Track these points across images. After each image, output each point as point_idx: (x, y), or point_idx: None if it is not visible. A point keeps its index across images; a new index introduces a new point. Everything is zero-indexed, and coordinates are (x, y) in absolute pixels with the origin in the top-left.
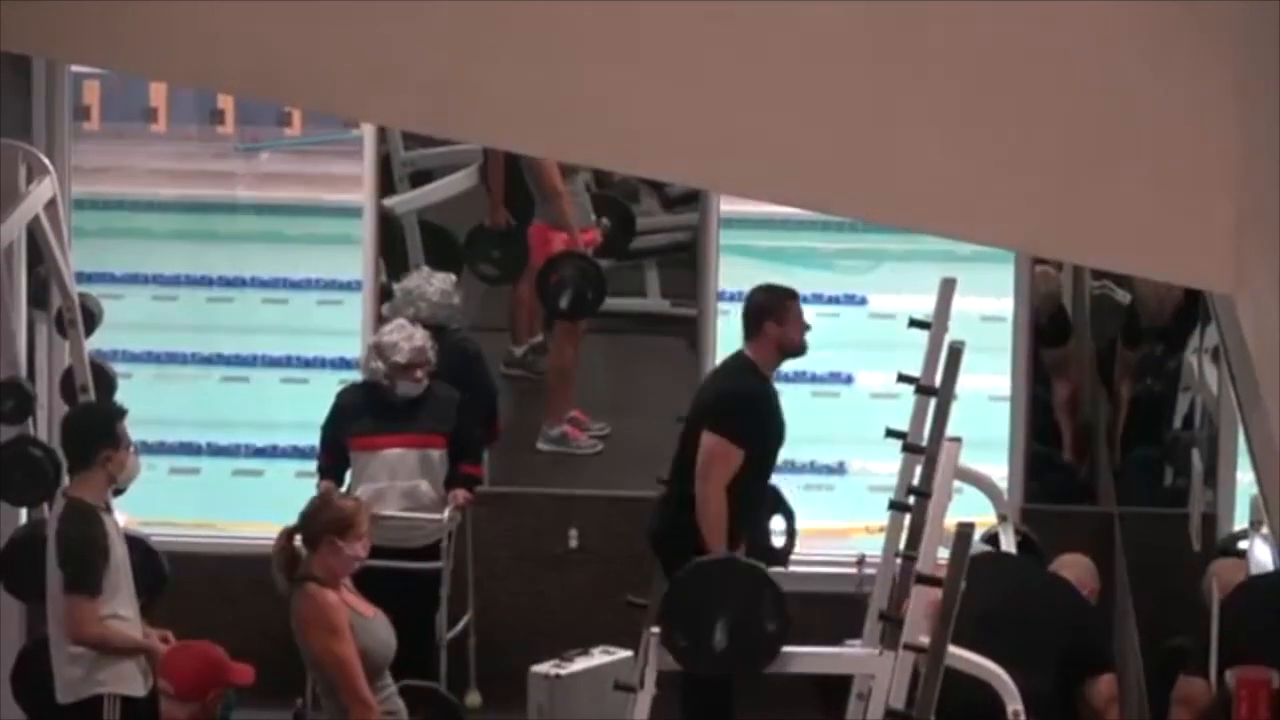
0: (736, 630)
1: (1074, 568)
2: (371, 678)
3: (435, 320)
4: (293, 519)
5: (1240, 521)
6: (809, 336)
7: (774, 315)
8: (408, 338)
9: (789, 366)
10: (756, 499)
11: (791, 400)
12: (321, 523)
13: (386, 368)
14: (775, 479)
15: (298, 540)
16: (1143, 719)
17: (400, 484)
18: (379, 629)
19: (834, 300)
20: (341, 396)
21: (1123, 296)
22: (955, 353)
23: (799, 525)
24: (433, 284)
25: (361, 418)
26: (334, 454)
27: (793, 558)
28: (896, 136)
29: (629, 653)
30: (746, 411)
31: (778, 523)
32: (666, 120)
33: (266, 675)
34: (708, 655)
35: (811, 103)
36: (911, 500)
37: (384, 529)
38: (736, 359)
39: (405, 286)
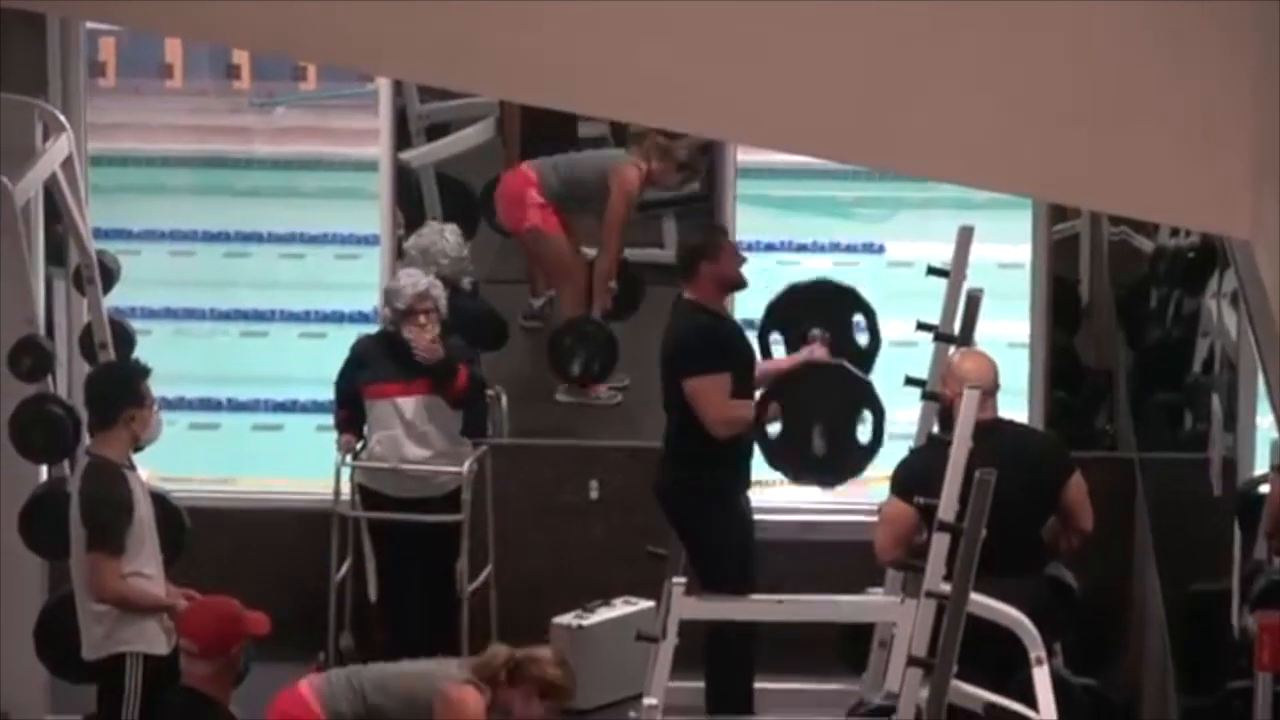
0: (835, 437)
1: (980, 376)
2: None
3: (453, 275)
4: (317, 477)
5: (1261, 465)
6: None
7: (706, 255)
8: (412, 283)
9: None
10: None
11: None
12: (530, 674)
13: (393, 314)
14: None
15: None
16: (1166, 662)
17: (412, 430)
18: None
19: (852, 249)
20: (356, 346)
21: (1141, 242)
22: (974, 300)
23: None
24: (447, 237)
25: (374, 366)
26: (349, 406)
27: (820, 494)
28: (914, 85)
29: (650, 603)
30: (708, 343)
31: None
32: (683, 71)
33: (288, 631)
34: (808, 459)
35: (829, 51)
36: None
37: (401, 478)
38: (680, 304)
39: (420, 245)
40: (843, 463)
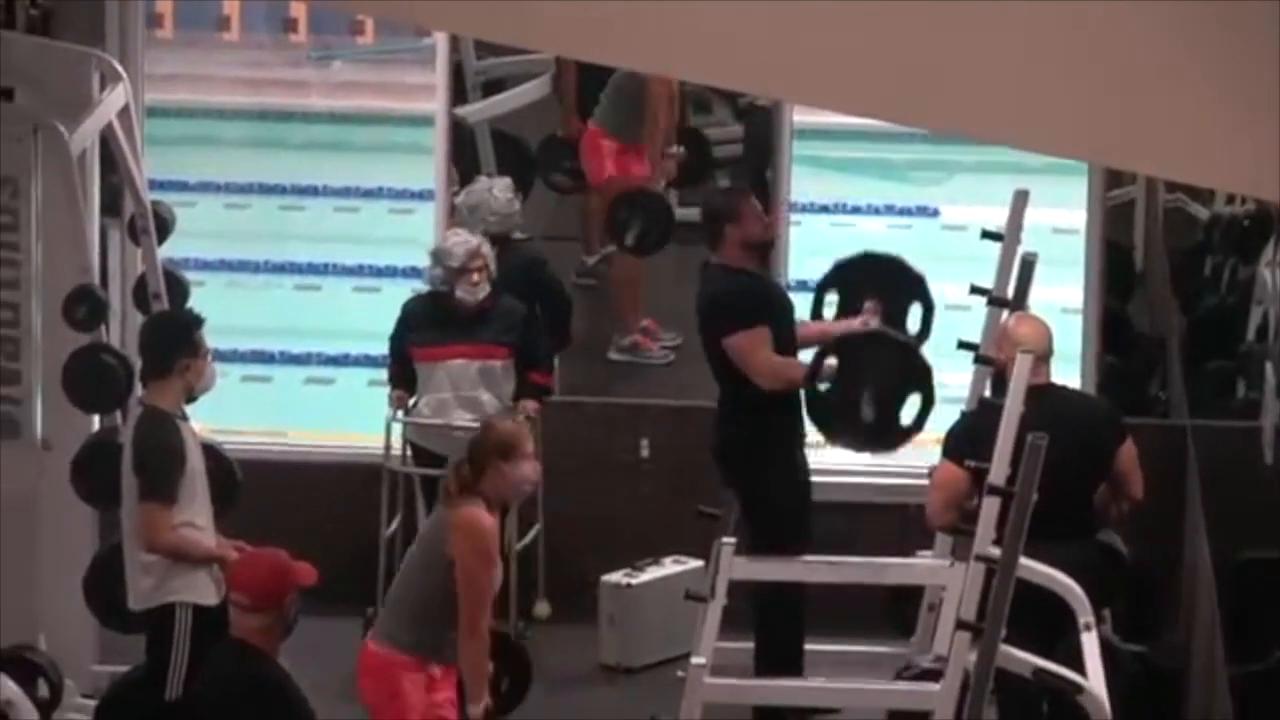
0: (883, 409)
1: (1035, 341)
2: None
3: (503, 230)
4: (368, 432)
5: None
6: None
7: (728, 218)
8: (463, 241)
9: None
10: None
11: None
12: (485, 448)
13: (444, 273)
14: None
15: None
16: (1215, 629)
17: (461, 394)
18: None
19: (906, 212)
20: (407, 306)
21: (1196, 209)
22: (1028, 264)
23: None
24: (496, 194)
25: (425, 328)
26: (403, 362)
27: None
28: (969, 48)
29: (700, 562)
30: (741, 299)
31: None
32: (741, 29)
33: (338, 585)
34: (852, 423)
35: (885, 12)
36: None
37: (451, 439)
38: (708, 269)
39: (470, 203)
40: (885, 435)
